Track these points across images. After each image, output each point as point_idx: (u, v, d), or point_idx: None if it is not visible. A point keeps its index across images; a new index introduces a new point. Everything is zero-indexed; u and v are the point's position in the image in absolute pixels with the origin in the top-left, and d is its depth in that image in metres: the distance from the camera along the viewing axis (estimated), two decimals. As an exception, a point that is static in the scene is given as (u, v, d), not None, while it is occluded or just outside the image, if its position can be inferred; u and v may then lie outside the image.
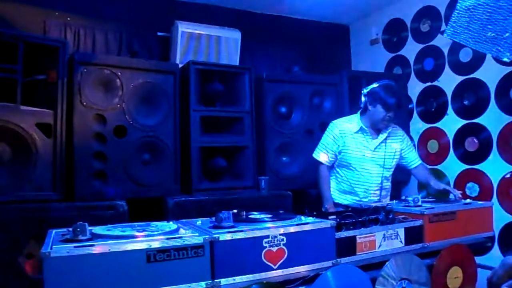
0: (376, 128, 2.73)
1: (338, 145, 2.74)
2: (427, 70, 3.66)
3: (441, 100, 3.53)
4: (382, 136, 2.73)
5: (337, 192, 2.83)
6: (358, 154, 2.71)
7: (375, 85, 2.67)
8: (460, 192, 2.44)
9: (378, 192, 2.73)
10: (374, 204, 2.40)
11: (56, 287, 1.20)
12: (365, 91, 2.71)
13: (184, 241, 1.38)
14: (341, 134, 2.74)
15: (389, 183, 2.82)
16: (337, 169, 2.82)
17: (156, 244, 1.34)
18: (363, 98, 2.71)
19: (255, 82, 3.17)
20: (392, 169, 2.79)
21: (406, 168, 2.88)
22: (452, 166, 3.43)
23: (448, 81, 3.46)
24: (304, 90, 3.39)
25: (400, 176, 3.61)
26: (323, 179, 2.81)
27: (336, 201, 2.81)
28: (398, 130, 2.85)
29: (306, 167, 3.21)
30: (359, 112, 2.79)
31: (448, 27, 2.33)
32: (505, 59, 2.28)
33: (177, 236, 1.41)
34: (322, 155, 2.80)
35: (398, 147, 2.78)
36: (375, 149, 2.72)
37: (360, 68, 4.15)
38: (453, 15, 2.31)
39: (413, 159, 2.84)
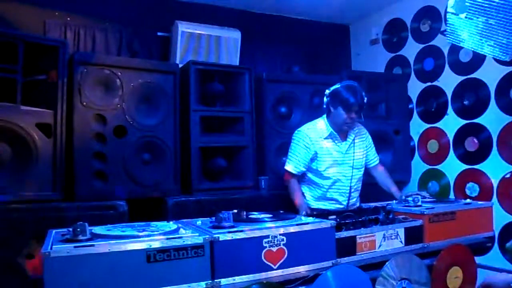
0: (342, 130, 2.60)
1: (311, 153, 2.58)
2: (427, 70, 3.66)
3: (441, 100, 3.53)
4: (351, 137, 2.63)
5: (312, 200, 2.67)
6: (330, 160, 2.58)
7: (337, 85, 2.54)
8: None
9: (354, 194, 2.65)
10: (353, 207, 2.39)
11: (56, 287, 1.20)
12: (327, 92, 2.58)
13: (184, 241, 1.38)
14: (312, 141, 2.57)
15: (361, 184, 2.72)
16: (310, 177, 2.65)
17: (156, 244, 1.34)
18: (325, 99, 2.59)
19: (255, 82, 3.17)
20: (363, 169, 2.71)
21: (365, 168, 2.75)
22: (452, 166, 3.43)
23: (448, 81, 3.46)
24: (304, 90, 3.38)
25: (400, 176, 3.63)
26: (296, 191, 2.62)
27: (313, 207, 2.64)
28: (362, 128, 2.75)
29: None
30: (325, 116, 2.65)
31: None
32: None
33: (177, 236, 1.42)
34: (295, 167, 2.60)
35: (364, 145, 2.71)
36: (346, 152, 2.61)
37: (360, 68, 4.15)
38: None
39: (373, 157, 2.78)
